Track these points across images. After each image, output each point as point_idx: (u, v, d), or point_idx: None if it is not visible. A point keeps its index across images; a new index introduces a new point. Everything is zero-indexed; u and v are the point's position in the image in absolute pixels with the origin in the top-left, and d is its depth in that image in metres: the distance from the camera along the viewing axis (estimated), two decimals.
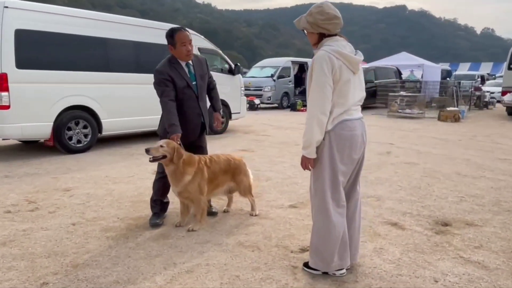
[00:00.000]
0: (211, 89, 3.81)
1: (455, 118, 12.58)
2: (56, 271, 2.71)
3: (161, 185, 3.60)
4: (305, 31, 2.52)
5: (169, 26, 8.43)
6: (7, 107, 5.99)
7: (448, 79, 22.97)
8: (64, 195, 4.46)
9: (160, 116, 3.54)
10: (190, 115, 3.51)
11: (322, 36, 2.46)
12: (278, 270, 2.75)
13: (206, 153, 3.74)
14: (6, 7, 5.98)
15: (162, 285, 2.54)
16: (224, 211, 3.92)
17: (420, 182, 5.14)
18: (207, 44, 9.24)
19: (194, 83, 3.53)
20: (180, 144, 3.30)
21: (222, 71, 9.57)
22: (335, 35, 2.46)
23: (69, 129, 6.75)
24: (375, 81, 17.18)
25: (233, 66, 9.68)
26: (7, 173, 5.43)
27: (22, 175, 5.37)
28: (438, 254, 3.00)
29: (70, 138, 6.79)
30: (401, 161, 6.45)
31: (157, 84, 3.39)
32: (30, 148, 7.37)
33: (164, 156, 3.19)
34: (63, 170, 5.64)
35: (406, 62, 20.83)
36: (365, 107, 16.19)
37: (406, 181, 5.18)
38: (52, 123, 6.50)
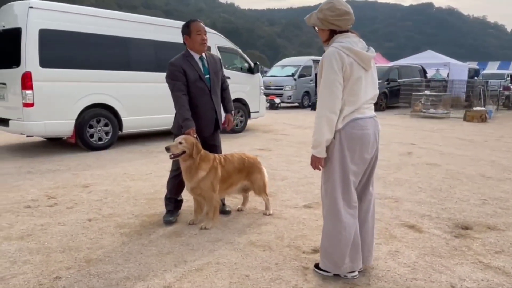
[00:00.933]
0: (223, 89, 3.79)
1: (482, 118, 12.18)
2: (69, 265, 2.76)
3: (175, 184, 3.61)
4: (316, 28, 2.46)
5: None
6: (31, 104, 6.16)
7: (475, 78, 22.27)
8: (82, 191, 4.55)
9: (174, 114, 3.56)
10: (203, 110, 3.50)
11: (333, 33, 2.40)
12: (289, 270, 2.71)
13: (220, 152, 3.73)
14: (31, 7, 6.15)
15: (171, 283, 2.54)
16: (238, 210, 3.91)
17: (442, 183, 4.98)
18: (227, 43, 9.26)
19: (207, 76, 3.53)
20: (197, 138, 3.31)
21: (241, 70, 9.57)
22: (347, 31, 2.40)
23: (91, 126, 6.88)
24: (399, 80, 16.83)
25: (252, 65, 9.66)
26: (30, 169, 5.58)
27: (44, 171, 5.51)
28: (456, 259, 2.90)
29: (92, 136, 6.93)
30: (422, 162, 6.28)
31: (169, 77, 3.41)
32: (53, 145, 7.56)
33: (184, 152, 3.21)
34: (83, 167, 5.76)
35: (431, 61, 20.30)
36: (388, 106, 16.13)
37: (427, 182, 5.03)
38: (74, 121, 6.64)
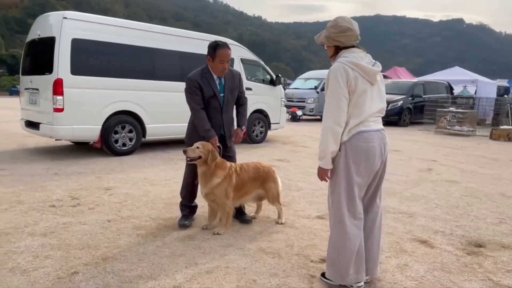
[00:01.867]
0: (240, 104, 3.87)
1: (509, 137, 11.88)
2: (87, 262, 2.90)
3: (188, 192, 3.75)
4: (325, 46, 2.58)
5: (213, 37, 8.81)
6: (61, 110, 6.46)
7: (505, 96, 21.70)
8: (104, 194, 4.74)
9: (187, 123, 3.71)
10: (211, 125, 3.57)
11: (337, 49, 2.51)
12: (296, 278, 2.77)
13: (235, 162, 3.83)
14: (65, 17, 6.50)
15: (181, 283, 2.65)
16: (252, 217, 3.99)
17: (459, 201, 4.92)
18: (250, 55, 9.44)
19: (221, 95, 3.63)
20: (219, 147, 3.44)
21: (263, 81, 9.73)
22: (353, 46, 2.48)
23: (116, 132, 7.14)
24: (424, 96, 16.62)
25: (274, 77, 9.81)
26: (57, 171, 5.85)
27: (70, 173, 5.76)
28: (466, 275, 2.88)
29: (116, 141, 7.18)
30: (442, 178, 6.20)
31: (188, 91, 3.55)
32: (80, 149, 7.87)
33: (200, 157, 3.34)
34: (107, 171, 5.98)
35: (459, 77, 19.99)
36: (412, 122, 15.93)
37: (444, 199, 4.98)
38: (100, 126, 6.91)
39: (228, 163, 3.54)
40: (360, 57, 2.44)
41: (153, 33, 7.61)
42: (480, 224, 4.06)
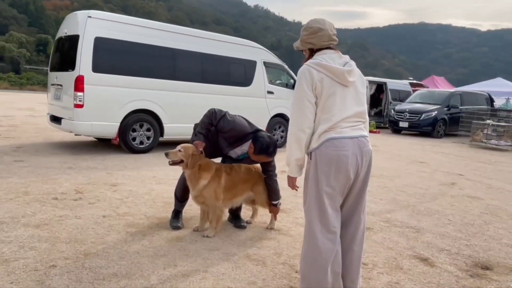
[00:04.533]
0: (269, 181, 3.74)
1: None
2: (68, 256, 2.90)
3: (183, 187, 3.67)
4: (303, 52, 2.48)
5: (235, 39, 8.81)
6: (81, 106, 6.63)
7: None
8: (109, 190, 4.79)
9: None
10: (209, 152, 3.57)
11: (312, 52, 2.38)
12: None
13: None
14: (90, 16, 6.69)
15: (154, 284, 2.58)
16: (247, 222, 3.88)
17: (477, 218, 4.59)
18: (274, 59, 9.35)
19: (240, 158, 3.64)
20: (202, 152, 3.36)
21: (286, 85, 9.60)
22: (328, 48, 2.34)
23: (134, 130, 7.24)
24: (461, 107, 15.85)
25: None
26: (72, 165, 5.99)
27: (83, 168, 5.88)
28: None
29: (134, 139, 7.29)
30: (464, 194, 5.83)
31: (216, 114, 3.42)
32: (101, 145, 8.06)
33: (182, 161, 3.27)
34: (119, 167, 6.07)
35: (501, 89, 19.03)
36: (447, 134, 15.22)
37: (460, 216, 4.66)
38: (119, 124, 7.04)
39: (216, 164, 3.45)
40: (331, 58, 2.29)
41: (174, 34, 7.69)
42: (493, 244, 3.74)
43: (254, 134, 3.44)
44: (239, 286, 2.63)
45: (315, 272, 2.29)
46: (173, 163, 3.30)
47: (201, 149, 3.34)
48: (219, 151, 3.64)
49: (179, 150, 3.27)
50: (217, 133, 3.51)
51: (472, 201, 5.43)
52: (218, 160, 3.74)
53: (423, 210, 4.81)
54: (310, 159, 2.31)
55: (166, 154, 3.28)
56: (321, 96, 2.24)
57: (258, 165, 3.71)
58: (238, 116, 3.56)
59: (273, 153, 3.42)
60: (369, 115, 17.41)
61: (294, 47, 2.49)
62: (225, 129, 3.42)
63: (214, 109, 3.46)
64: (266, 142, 3.34)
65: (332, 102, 2.24)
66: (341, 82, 2.25)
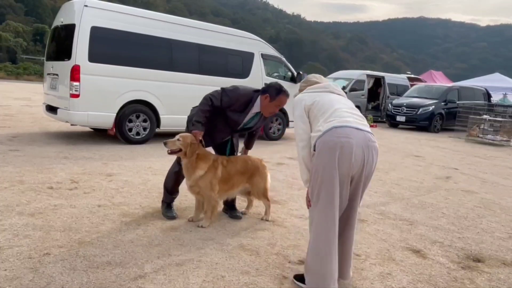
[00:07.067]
0: (253, 134, 3.88)
1: None
2: (62, 244, 2.91)
3: (174, 179, 3.68)
4: None
5: (233, 31, 8.76)
6: (77, 95, 6.60)
7: None
8: (104, 179, 4.79)
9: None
10: (217, 129, 3.56)
11: None
12: (267, 277, 2.66)
13: (233, 147, 3.78)
14: (86, 5, 6.63)
15: (147, 273, 2.59)
16: (242, 213, 3.90)
17: (470, 212, 4.62)
18: (271, 51, 9.32)
19: (245, 126, 3.58)
20: (201, 141, 3.35)
21: (284, 78, 9.57)
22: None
23: (130, 121, 7.22)
24: (458, 102, 15.86)
25: (295, 74, 9.63)
26: (67, 155, 5.98)
27: (79, 158, 5.87)
28: None
29: (130, 130, 7.26)
30: (458, 187, 5.86)
31: (215, 97, 3.36)
32: (96, 135, 8.04)
33: (180, 150, 3.28)
34: (115, 158, 6.06)
35: (498, 84, 19.05)
36: (443, 128, 15.24)
37: (454, 209, 4.69)
38: (115, 114, 7.01)
39: (213, 155, 3.46)
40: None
41: (172, 24, 7.64)
42: (485, 237, 3.78)
43: (258, 89, 3.48)
44: (233, 276, 2.65)
45: (324, 262, 2.34)
46: (172, 152, 3.30)
47: (200, 138, 3.34)
48: (230, 130, 3.60)
49: (178, 139, 3.27)
50: (223, 113, 3.45)
51: (466, 194, 5.47)
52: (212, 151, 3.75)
53: (417, 203, 4.84)
54: (314, 150, 2.34)
55: (165, 143, 3.28)
56: (312, 104, 2.47)
57: (256, 158, 3.73)
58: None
59: (287, 91, 3.44)
60: (367, 109, 17.46)
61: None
62: (232, 100, 3.37)
63: (208, 94, 3.40)
64: (276, 84, 3.41)
65: (323, 101, 2.47)
66: (327, 89, 2.57)
